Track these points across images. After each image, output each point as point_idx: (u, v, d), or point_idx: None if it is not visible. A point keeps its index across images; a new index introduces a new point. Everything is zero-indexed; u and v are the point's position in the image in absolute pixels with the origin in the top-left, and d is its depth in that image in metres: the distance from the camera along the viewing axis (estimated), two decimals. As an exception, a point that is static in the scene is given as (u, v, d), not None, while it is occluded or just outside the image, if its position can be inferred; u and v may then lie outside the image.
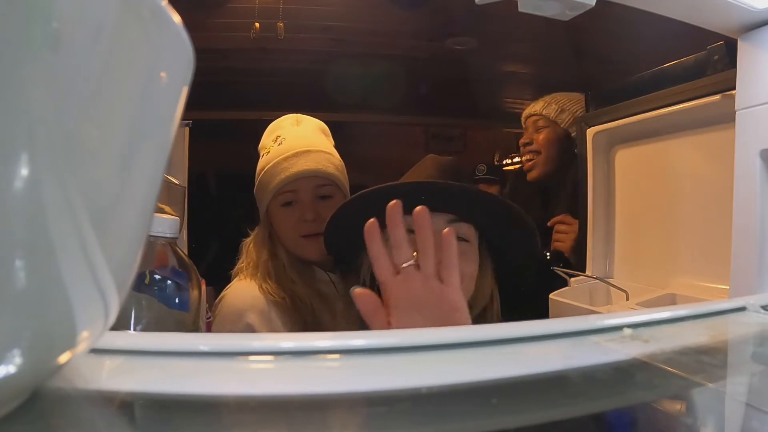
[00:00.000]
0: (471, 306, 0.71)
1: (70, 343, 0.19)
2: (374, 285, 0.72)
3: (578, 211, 1.33)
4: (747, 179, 0.68)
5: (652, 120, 1.02)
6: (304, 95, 3.56)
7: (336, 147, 1.00)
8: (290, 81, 3.20)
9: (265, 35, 2.33)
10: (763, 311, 0.47)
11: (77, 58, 0.15)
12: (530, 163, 1.41)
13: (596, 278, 1.13)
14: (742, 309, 0.48)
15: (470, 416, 0.26)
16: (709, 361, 0.36)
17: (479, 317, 0.72)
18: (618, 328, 0.39)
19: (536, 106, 1.42)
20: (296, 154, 0.91)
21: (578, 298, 1.09)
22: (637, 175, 1.14)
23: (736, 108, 0.70)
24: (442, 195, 0.68)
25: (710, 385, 0.32)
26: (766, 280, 0.65)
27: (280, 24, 2.22)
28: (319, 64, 2.85)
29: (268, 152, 0.95)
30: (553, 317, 1.05)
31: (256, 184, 0.97)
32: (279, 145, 0.94)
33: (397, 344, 0.34)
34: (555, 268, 1.13)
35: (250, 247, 0.96)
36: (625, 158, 1.17)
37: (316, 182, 0.91)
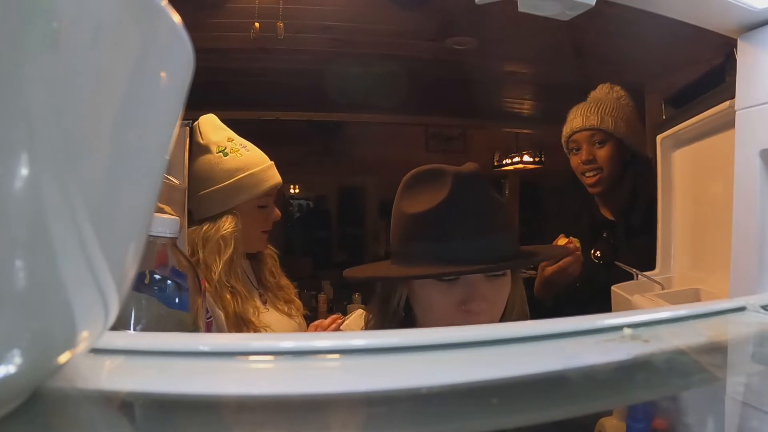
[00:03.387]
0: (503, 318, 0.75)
1: (70, 343, 0.19)
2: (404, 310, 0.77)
3: (632, 215, 1.34)
4: (747, 179, 0.68)
5: (712, 118, 1.01)
6: (304, 95, 3.56)
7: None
8: (290, 81, 3.20)
9: (265, 35, 2.33)
10: (763, 311, 0.47)
11: (77, 58, 0.15)
12: (594, 179, 1.38)
13: (634, 271, 1.14)
14: (742, 309, 0.48)
15: (470, 416, 0.26)
16: (709, 361, 0.36)
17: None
18: (618, 328, 0.39)
19: (591, 119, 1.39)
20: (270, 167, 1.11)
21: (635, 291, 1.10)
22: (698, 172, 1.13)
23: (735, 108, 0.70)
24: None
25: (710, 385, 0.32)
26: (766, 280, 0.65)
27: (280, 24, 2.22)
28: (319, 64, 2.85)
29: (235, 153, 1.06)
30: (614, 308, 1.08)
31: (233, 181, 1.05)
32: (247, 150, 1.08)
33: (397, 344, 0.34)
34: (618, 263, 1.15)
35: (209, 242, 1.02)
36: (685, 157, 1.16)
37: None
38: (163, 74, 0.19)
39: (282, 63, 2.94)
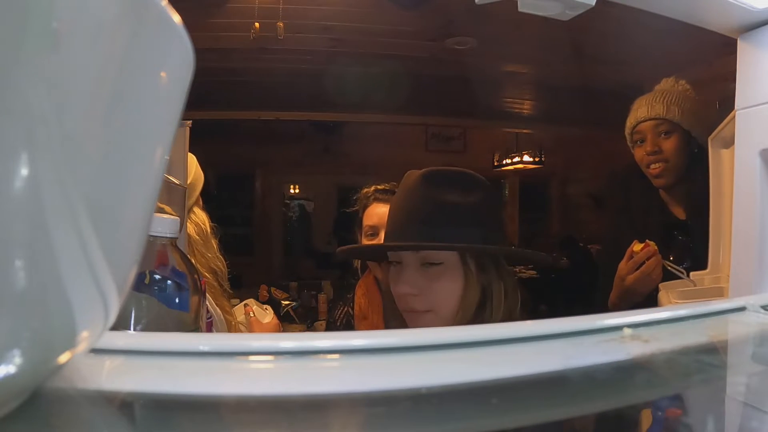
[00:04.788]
0: (457, 317, 0.77)
1: (70, 343, 0.19)
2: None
3: (704, 212, 1.28)
4: (747, 179, 0.68)
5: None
6: (304, 95, 3.57)
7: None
8: (290, 81, 3.20)
9: (265, 35, 2.33)
10: (763, 311, 0.47)
11: (77, 58, 0.15)
12: (658, 170, 1.33)
13: (680, 271, 1.12)
14: (742, 309, 0.48)
15: (470, 416, 0.26)
16: (709, 361, 0.36)
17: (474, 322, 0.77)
18: (618, 328, 0.39)
19: (656, 108, 1.33)
20: None
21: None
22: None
23: (736, 108, 0.70)
24: (407, 248, 0.78)
25: (710, 385, 0.32)
26: (766, 280, 0.65)
27: (280, 24, 2.22)
28: (319, 64, 2.85)
29: None
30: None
31: (195, 171, 1.06)
32: None
33: (397, 344, 0.34)
34: (665, 262, 1.14)
35: (206, 237, 1.05)
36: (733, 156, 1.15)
37: None
38: (163, 74, 0.19)
39: (282, 63, 2.94)
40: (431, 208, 0.76)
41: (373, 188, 1.22)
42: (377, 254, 0.98)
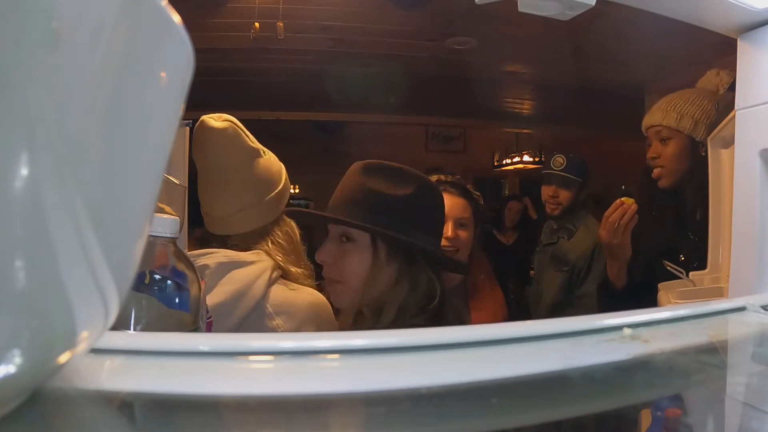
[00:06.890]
0: (363, 299, 0.83)
1: (70, 343, 0.19)
2: None
3: (705, 212, 1.28)
4: (747, 179, 0.68)
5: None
6: (304, 95, 3.57)
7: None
8: (290, 81, 3.20)
9: (265, 35, 2.33)
10: (763, 311, 0.47)
11: (77, 58, 0.15)
12: (657, 174, 1.37)
13: (678, 270, 1.12)
14: (742, 309, 0.48)
15: (470, 416, 0.26)
16: (709, 361, 0.36)
17: (375, 311, 0.83)
18: (618, 328, 0.39)
19: (655, 116, 1.36)
20: None
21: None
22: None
23: (736, 108, 0.70)
24: (330, 219, 0.85)
25: (710, 385, 0.32)
26: (766, 280, 0.65)
27: (280, 24, 2.22)
28: (319, 64, 2.85)
29: (265, 150, 1.05)
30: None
31: (286, 176, 1.08)
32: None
33: (397, 344, 0.34)
34: (665, 262, 1.14)
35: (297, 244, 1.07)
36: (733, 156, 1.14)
37: None
38: (163, 74, 0.19)
39: (282, 63, 2.94)
40: (359, 192, 0.83)
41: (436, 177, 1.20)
42: (315, 222, 1.08)
